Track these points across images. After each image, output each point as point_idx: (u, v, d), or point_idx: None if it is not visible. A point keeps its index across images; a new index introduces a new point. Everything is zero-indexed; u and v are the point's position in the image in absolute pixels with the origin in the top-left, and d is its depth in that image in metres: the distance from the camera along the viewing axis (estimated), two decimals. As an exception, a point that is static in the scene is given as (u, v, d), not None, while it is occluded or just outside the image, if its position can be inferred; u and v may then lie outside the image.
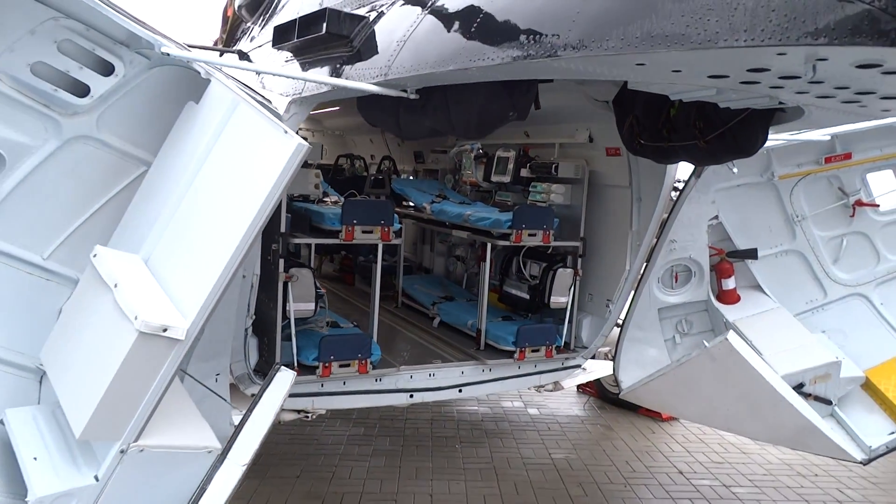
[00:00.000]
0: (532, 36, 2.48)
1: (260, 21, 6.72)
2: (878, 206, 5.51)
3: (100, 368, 2.67)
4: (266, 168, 2.68)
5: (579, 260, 5.96)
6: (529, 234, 5.66)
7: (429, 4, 3.05)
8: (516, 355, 5.68)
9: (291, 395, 3.75)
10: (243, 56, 5.71)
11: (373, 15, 3.48)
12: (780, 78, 2.47)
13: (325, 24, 3.38)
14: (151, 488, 3.01)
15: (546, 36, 2.44)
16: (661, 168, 5.33)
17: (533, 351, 5.75)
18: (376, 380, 5.20)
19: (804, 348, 5.30)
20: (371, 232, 5.00)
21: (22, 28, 2.81)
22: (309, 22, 3.64)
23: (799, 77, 2.42)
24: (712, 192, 5.42)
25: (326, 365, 4.86)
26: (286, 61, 4.21)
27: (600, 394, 8.13)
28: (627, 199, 5.65)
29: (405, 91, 3.18)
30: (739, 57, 2.27)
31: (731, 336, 4.95)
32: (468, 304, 6.81)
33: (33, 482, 2.73)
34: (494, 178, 6.76)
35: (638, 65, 2.49)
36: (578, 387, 8.16)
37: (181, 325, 2.66)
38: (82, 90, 3.04)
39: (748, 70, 2.42)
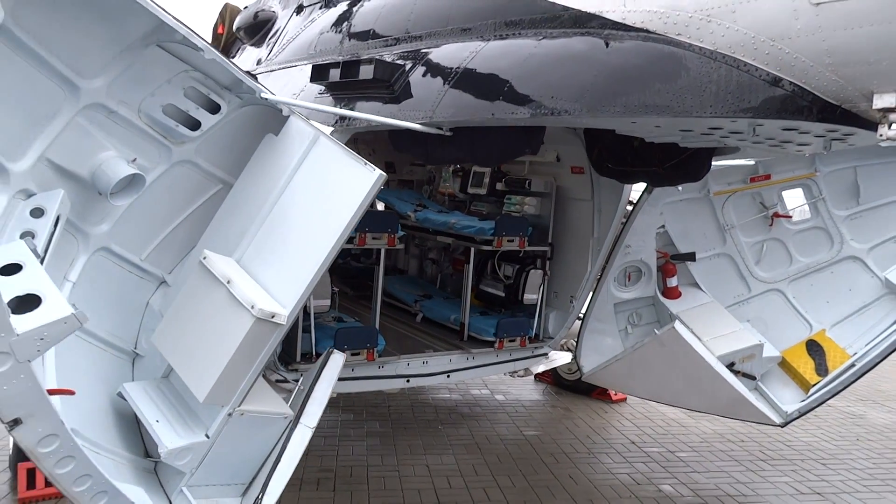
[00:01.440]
0: (555, 99, 3.39)
1: (261, 43, 7.38)
2: (791, 217, 6.67)
3: (219, 347, 3.40)
4: (349, 193, 3.46)
5: (548, 262, 6.94)
6: (508, 240, 6.58)
7: (461, 66, 3.90)
8: (496, 345, 6.59)
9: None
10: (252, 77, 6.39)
11: (408, 65, 4.31)
12: (730, 132, 3.47)
13: (373, 70, 4.19)
14: (245, 444, 3.75)
15: (566, 101, 3.35)
16: (618, 185, 6.35)
17: (510, 341, 6.66)
18: (379, 367, 5.98)
19: (734, 334, 6.39)
20: (380, 238, 5.79)
21: (162, 78, 3.51)
22: (351, 65, 4.44)
23: (743, 132, 3.43)
24: (660, 206, 6.45)
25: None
26: (319, 94, 4.97)
27: (556, 381, 9.14)
28: (589, 210, 6.64)
29: (441, 129, 4.03)
30: (704, 121, 3.24)
31: (678, 325, 6.02)
32: (447, 302, 7.66)
33: (162, 438, 3.43)
34: (471, 190, 7.65)
35: (632, 122, 3.42)
36: (536, 376, 9.14)
37: (284, 313, 3.42)
38: (195, 125, 3.74)
39: (708, 128, 3.41)
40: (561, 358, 8.00)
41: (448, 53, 4.15)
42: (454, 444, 6.73)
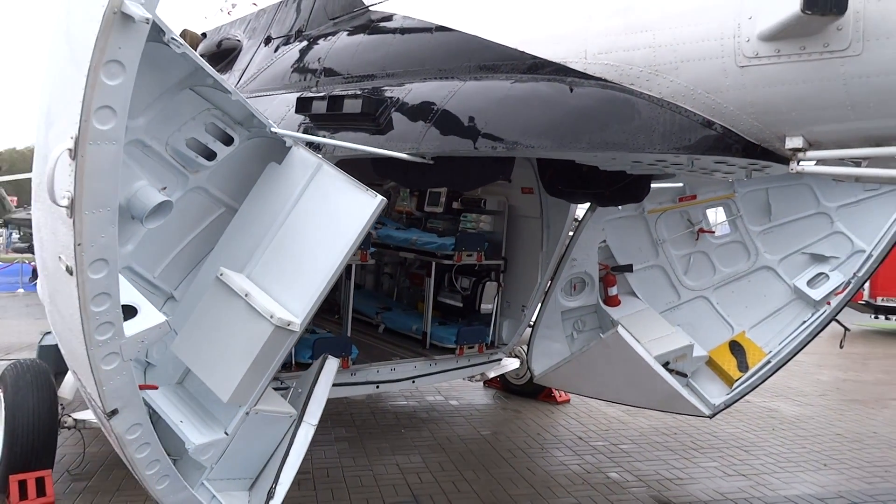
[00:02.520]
0: (530, 135, 4.00)
1: (225, 70, 7.74)
2: (714, 232, 7.55)
3: (240, 353, 3.81)
4: (353, 216, 3.95)
5: (501, 275, 7.57)
6: (467, 255, 7.17)
7: (443, 103, 4.46)
8: (457, 351, 7.16)
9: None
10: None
11: (391, 101, 4.84)
12: (672, 164, 4.18)
13: (360, 105, 4.70)
14: (256, 440, 4.17)
15: (540, 137, 3.97)
16: (565, 204, 7.06)
17: (469, 348, 7.24)
18: (352, 374, 6.43)
19: (668, 337, 7.16)
20: (355, 254, 6.26)
21: (188, 116, 3.91)
22: (338, 99, 4.94)
23: (683, 164, 4.14)
24: (602, 223, 7.19)
25: (320, 362, 6.05)
26: (303, 123, 5.43)
27: (504, 386, 9.76)
28: (538, 227, 7.32)
29: (424, 158, 4.57)
30: (652, 155, 3.92)
31: (621, 329, 6.74)
32: (405, 313, 8.18)
33: (189, 436, 3.81)
34: (427, 209, 8.22)
35: (594, 156, 4.07)
36: (485, 382, 9.76)
37: (297, 321, 3.88)
38: (210, 155, 4.16)
39: (655, 160, 4.10)
40: (511, 364, 8.66)
41: (428, 91, 4.70)
42: (419, 445, 7.23)
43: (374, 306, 8.41)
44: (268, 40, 7.17)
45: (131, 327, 2.84)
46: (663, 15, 3.67)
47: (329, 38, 6.28)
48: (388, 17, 5.79)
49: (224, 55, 7.89)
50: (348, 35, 6.02)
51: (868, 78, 3.06)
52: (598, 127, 3.86)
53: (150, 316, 2.98)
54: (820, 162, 3.51)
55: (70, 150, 2.49)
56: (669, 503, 6.01)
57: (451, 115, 4.40)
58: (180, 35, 8.76)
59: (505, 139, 4.12)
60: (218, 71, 7.95)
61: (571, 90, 4.02)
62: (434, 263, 7.31)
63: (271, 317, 3.77)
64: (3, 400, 5.61)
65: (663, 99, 3.73)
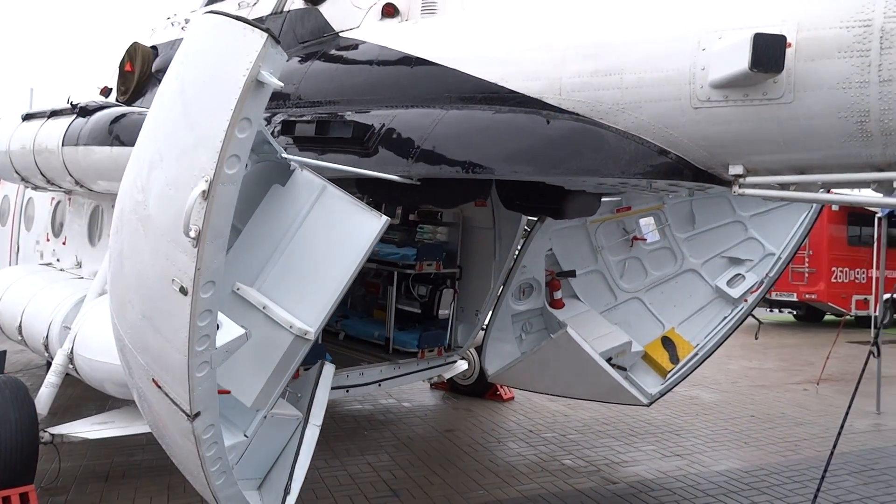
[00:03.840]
0: (513, 162, 4.56)
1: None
2: (646, 240, 8.40)
3: (261, 361, 4.16)
4: (358, 236, 4.38)
5: (457, 282, 8.12)
6: (427, 264, 7.68)
7: (430, 130, 4.95)
8: (419, 355, 7.65)
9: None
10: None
11: (378, 126, 5.28)
12: (632, 185, 4.85)
13: (352, 130, 5.13)
14: (268, 442, 4.51)
15: (522, 163, 4.54)
16: (516, 215, 7.70)
17: (429, 351, 7.76)
18: (325, 379, 6.80)
19: (609, 335, 7.89)
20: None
21: None
22: (326, 123, 5.34)
23: (641, 185, 4.82)
24: (550, 232, 7.87)
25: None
26: (289, 145, 5.77)
27: (451, 387, 10.32)
28: (491, 237, 7.92)
29: (411, 178, 5.04)
30: (618, 179, 4.58)
31: (570, 329, 7.44)
32: (363, 320, 8.59)
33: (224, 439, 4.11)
34: (383, 221, 8.65)
35: (569, 179, 4.67)
36: (431, 384, 10.29)
37: (312, 331, 4.27)
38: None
39: (619, 181, 4.76)
40: (461, 366, 9.23)
41: (413, 118, 5.16)
42: (384, 445, 7.66)
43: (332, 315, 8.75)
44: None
45: (219, 339, 3.17)
46: (629, 61, 4.32)
47: (301, 61, 6.63)
48: (360, 45, 6.22)
49: (182, 73, 8.04)
50: (322, 60, 6.39)
51: (797, 120, 3.80)
52: (574, 155, 4.46)
53: (232, 329, 3.32)
54: (756, 185, 4.25)
55: (204, 191, 2.91)
56: (620, 483, 6.73)
57: (438, 141, 4.89)
58: (131, 48, 8.83)
59: (488, 164, 4.67)
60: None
61: (548, 122, 4.61)
62: (396, 273, 7.76)
63: (290, 327, 4.14)
64: (-18, 417, 5.64)
65: (628, 132, 4.36)
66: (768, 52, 3.57)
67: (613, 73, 4.37)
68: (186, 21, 8.92)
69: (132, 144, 6.26)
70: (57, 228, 9.09)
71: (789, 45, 3.61)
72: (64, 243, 8.77)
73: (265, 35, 3.01)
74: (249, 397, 4.13)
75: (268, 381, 4.14)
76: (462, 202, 5.68)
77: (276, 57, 3.10)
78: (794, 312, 21.08)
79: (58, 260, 8.76)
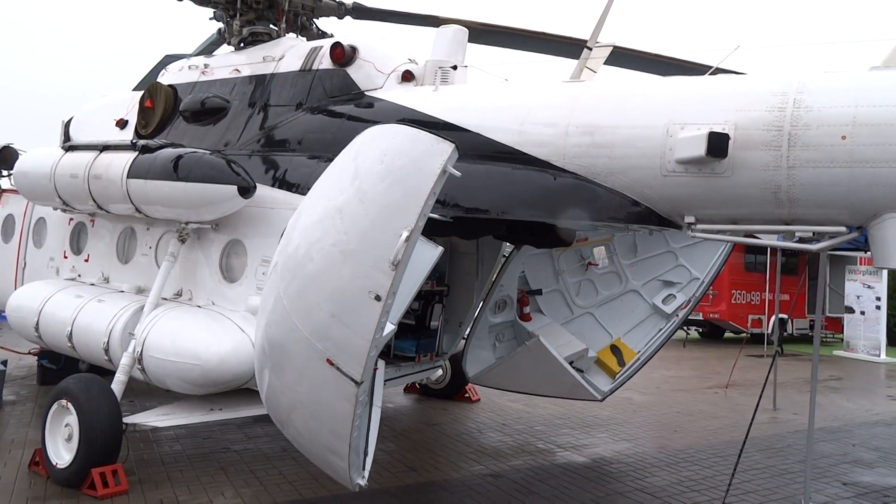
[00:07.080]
0: (528, 209, 6.15)
1: (214, 125, 9.06)
2: (598, 265, 10.19)
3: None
4: (416, 264, 5.84)
5: (445, 298, 9.62)
6: (425, 283, 9.13)
7: (461, 178, 6.47)
8: (416, 359, 9.08)
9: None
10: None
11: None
12: (612, 227, 6.56)
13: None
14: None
15: (535, 209, 6.14)
16: (497, 242, 9.30)
17: (424, 356, 9.21)
18: (345, 378, 8.11)
19: (569, 343, 9.49)
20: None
21: None
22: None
23: (620, 227, 6.53)
24: (523, 257, 9.52)
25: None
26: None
27: (423, 391, 11.75)
28: (474, 261, 9.49)
29: (445, 216, 6.53)
30: (605, 223, 6.26)
31: (541, 337, 9.09)
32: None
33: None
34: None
35: (570, 222, 6.33)
36: (405, 388, 11.69)
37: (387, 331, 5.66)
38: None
39: (605, 225, 6.45)
40: (437, 371, 10.71)
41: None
42: (386, 436, 9.01)
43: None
44: (265, 107, 8.67)
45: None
46: (617, 139, 6.00)
47: (332, 114, 8.01)
48: (386, 103, 7.70)
49: (210, 112, 9.15)
50: (353, 111, 7.81)
51: (733, 189, 5.56)
52: (575, 204, 6.11)
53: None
54: (702, 230, 6.02)
55: (407, 236, 4.34)
56: (587, 459, 8.38)
57: (468, 188, 6.44)
58: (151, 87, 9.91)
59: (509, 209, 6.25)
60: (202, 126, 9.30)
61: (555, 179, 6.24)
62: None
63: (376, 328, 5.53)
64: (72, 408, 6.67)
65: (615, 189, 6.05)
66: (718, 145, 5.31)
67: (605, 147, 6.04)
68: (206, 66, 10.05)
69: (189, 180, 7.53)
70: (76, 247, 9.94)
71: (731, 139, 5.38)
72: (86, 260, 9.65)
73: (452, 145, 4.49)
74: (368, 374, 5.46)
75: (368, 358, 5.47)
76: (482, 235, 7.25)
77: (455, 156, 4.53)
78: (700, 330, 23.74)
79: (79, 276, 9.62)
